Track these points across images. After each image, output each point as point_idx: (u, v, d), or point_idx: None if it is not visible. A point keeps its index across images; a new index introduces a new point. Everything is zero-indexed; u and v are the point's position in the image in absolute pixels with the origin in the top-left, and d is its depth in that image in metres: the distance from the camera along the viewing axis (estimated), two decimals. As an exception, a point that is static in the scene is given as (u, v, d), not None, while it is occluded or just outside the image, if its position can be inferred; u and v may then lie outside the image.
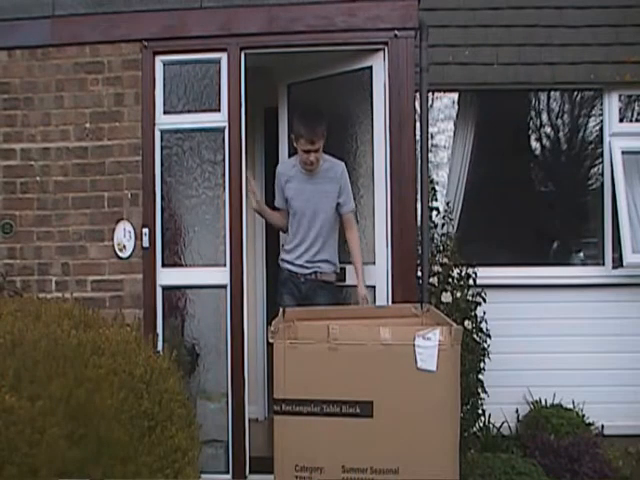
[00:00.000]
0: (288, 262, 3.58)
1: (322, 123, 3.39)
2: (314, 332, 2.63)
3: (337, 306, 3.43)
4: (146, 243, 3.49)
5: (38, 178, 3.59)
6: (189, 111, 3.58)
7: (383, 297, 3.48)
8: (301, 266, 3.51)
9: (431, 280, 3.49)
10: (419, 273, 3.46)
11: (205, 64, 3.57)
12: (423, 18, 3.49)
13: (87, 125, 3.57)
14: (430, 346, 2.65)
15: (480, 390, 3.46)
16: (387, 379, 2.62)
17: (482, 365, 3.50)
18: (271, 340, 2.61)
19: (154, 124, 3.54)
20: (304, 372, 2.63)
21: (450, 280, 3.54)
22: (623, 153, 4.26)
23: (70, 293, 3.46)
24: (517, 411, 4.17)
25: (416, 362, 2.63)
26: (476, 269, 3.59)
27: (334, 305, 3.44)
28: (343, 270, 3.72)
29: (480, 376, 3.48)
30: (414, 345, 2.63)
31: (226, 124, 3.50)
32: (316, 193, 3.47)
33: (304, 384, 2.61)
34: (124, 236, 3.52)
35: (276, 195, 3.62)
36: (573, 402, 4.08)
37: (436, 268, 3.53)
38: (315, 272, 3.50)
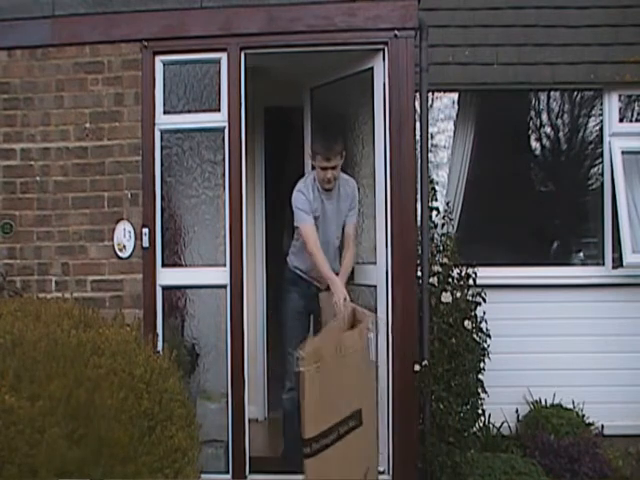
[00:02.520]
0: (300, 270, 3.66)
1: (339, 141, 3.41)
2: (329, 348, 2.52)
3: None
4: (146, 243, 3.49)
5: (38, 178, 3.59)
6: (189, 111, 3.58)
7: (383, 297, 3.49)
8: (314, 279, 3.60)
9: (431, 280, 3.48)
10: (419, 273, 3.47)
11: (205, 64, 3.57)
12: (423, 18, 3.49)
13: (87, 125, 3.57)
14: (372, 338, 2.65)
15: (480, 390, 3.46)
16: (362, 381, 2.66)
17: (482, 365, 3.49)
18: (301, 368, 2.40)
19: (154, 124, 3.54)
20: (323, 398, 2.45)
21: (450, 280, 3.54)
22: (623, 153, 4.25)
23: (70, 293, 3.46)
24: (517, 411, 4.17)
25: (369, 356, 2.70)
26: (476, 269, 3.58)
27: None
28: (352, 270, 3.74)
29: (480, 376, 3.47)
30: (368, 339, 2.70)
31: (226, 124, 3.50)
32: (334, 212, 3.54)
33: (324, 412, 2.45)
34: (124, 236, 3.52)
35: (305, 209, 3.43)
36: (573, 402, 4.08)
37: (436, 268, 3.52)
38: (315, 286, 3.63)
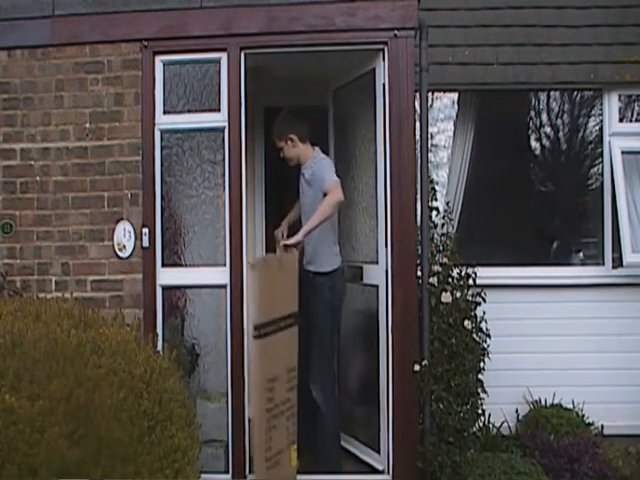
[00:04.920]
0: None
1: (282, 125, 3.65)
2: (272, 260, 3.25)
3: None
4: (146, 243, 3.49)
5: (38, 178, 3.59)
6: (189, 111, 3.58)
7: (384, 297, 3.49)
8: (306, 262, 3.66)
9: (431, 280, 3.48)
10: (419, 273, 3.47)
11: (205, 64, 3.57)
12: (423, 18, 3.49)
13: (87, 125, 3.57)
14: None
15: (480, 390, 3.46)
16: (295, 293, 3.17)
17: (482, 365, 3.49)
18: (252, 271, 3.01)
19: (154, 124, 3.54)
20: (270, 295, 3.01)
21: (450, 280, 3.54)
22: (623, 153, 4.25)
23: (70, 293, 3.46)
24: (517, 411, 4.17)
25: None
26: (476, 269, 3.59)
27: (323, 307, 3.55)
28: (360, 269, 3.74)
29: (480, 376, 3.47)
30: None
31: (226, 124, 3.50)
32: (307, 189, 3.66)
33: (271, 307, 3.01)
34: (124, 236, 3.52)
35: None
36: (573, 402, 4.08)
37: (436, 268, 3.53)
38: (309, 271, 3.62)
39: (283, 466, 3.12)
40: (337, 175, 3.47)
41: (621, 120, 4.36)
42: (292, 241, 3.28)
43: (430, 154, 4.05)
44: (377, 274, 3.58)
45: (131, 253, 3.51)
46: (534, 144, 4.81)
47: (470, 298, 3.54)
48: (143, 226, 3.50)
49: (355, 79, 3.85)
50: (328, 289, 3.56)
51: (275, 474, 3.02)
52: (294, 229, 3.58)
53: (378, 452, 3.56)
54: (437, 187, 3.75)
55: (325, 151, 4.20)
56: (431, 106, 4.41)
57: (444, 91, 4.46)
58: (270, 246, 4.74)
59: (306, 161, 3.66)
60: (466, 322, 3.45)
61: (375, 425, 3.57)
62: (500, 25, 4.24)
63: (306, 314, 3.46)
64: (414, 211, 3.44)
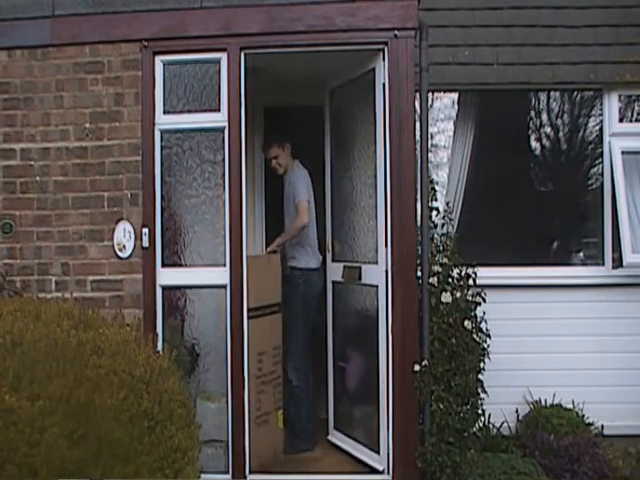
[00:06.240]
0: None
1: (269, 142, 4.21)
2: (262, 259, 4.04)
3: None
4: (146, 243, 3.50)
5: (38, 178, 3.59)
6: (189, 111, 3.58)
7: (384, 297, 3.49)
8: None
9: (431, 280, 3.48)
10: (419, 273, 3.47)
11: (205, 64, 3.57)
12: (423, 18, 3.49)
13: (87, 125, 3.57)
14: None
15: (480, 390, 3.46)
16: (279, 286, 3.94)
17: (482, 365, 3.50)
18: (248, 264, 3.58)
19: (154, 124, 3.54)
20: (260, 285, 3.68)
21: (450, 280, 3.54)
22: (623, 153, 4.25)
23: (70, 293, 3.46)
24: (517, 411, 4.17)
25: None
26: (476, 269, 3.59)
27: (295, 297, 4.04)
28: (359, 269, 3.74)
29: (480, 376, 3.47)
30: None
31: (226, 124, 3.50)
32: (285, 196, 4.18)
33: (260, 294, 3.71)
34: (124, 236, 3.52)
35: None
36: (573, 402, 4.08)
37: (436, 268, 3.53)
38: (290, 266, 4.12)
39: (271, 426, 3.83)
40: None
41: (621, 120, 4.36)
42: (269, 249, 4.08)
43: (430, 154, 4.05)
44: (376, 274, 3.58)
45: (131, 253, 3.51)
46: (534, 144, 4.81)
47: (470, 298, 3.54)
48: (143, 226, 3.50)
49: (355, 79, 3.85)
50: (302, 283, 4.03)
51: (264, 431, 3.74)
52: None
53: (378, 452, 3.56)
54: (437, 187, 3.74)
55: (322, 150, 4.23)
56: (431, 106, 4.41)
57: (444, 91, 4.46)
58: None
59: (288, 170, 4.16)
60: (466, 322, 3.45)
61: (375, 425, 3.57)
62: (500, 25, 4.23)
63: (284, 304, 4.03)
64: (414, 211, 3.45)
